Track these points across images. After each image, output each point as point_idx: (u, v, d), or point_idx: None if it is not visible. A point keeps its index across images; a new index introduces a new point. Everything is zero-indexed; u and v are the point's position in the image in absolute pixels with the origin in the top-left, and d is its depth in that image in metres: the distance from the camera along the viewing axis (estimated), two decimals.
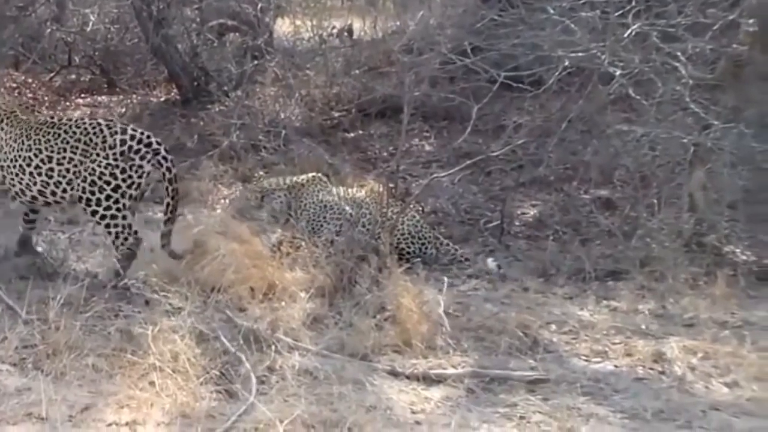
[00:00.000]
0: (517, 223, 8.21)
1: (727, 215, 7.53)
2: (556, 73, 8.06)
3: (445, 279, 7.15)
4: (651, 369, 6.04)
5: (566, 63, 8.02)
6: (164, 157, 7.03)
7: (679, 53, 7.85)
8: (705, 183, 7.60)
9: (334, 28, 10.92)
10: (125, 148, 6.98)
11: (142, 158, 6.99)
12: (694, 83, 7.73)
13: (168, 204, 7.05)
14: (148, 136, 7.07)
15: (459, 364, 6.03)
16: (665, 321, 6.62)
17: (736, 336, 6.29)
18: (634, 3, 8.09)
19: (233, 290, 6.75)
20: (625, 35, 7.94)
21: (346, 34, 10.86)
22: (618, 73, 7.93)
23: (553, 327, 6.55)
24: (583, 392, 5.73)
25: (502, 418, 5.48)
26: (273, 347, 6.05)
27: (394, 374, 5.93)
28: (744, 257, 7.30)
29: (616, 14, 8.05)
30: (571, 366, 6.08)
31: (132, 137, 7.01)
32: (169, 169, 7.01)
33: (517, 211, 8.48)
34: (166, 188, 7.02)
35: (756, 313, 6.67)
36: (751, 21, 7.81)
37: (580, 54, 8.04)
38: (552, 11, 8.34)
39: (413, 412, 5.55)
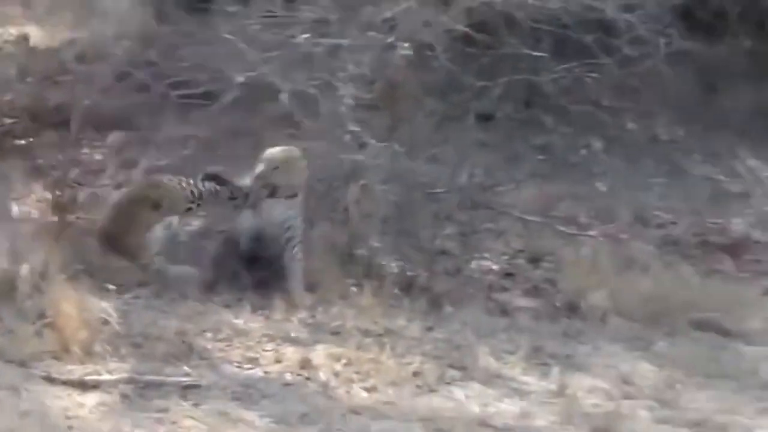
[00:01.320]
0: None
1: (378, 229, 8.01)
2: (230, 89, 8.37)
3: (110, 287, 7.31)
4: (298, 375, 6.39)
5: (240, 79, 8.33)
6: None
7: (340, 73, 8.30)
8: (359, 198, 8.04)
9: (10, 35, 10.86)
10: None
11: None
12: (353, 102, 8.20)
13: None
14: None
15: (115, 370, 6.22)
16: (314, 329, 7.01)
17: (377, 344, 6.74)
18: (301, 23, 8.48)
19: None
20: (292, 53, 8.35)
21: (22, 41, 10.82)
22: (284, 90, 8.30)
23: (209, 335, 6.82)
24: (233, 397, 6.03)
25: (155, 422, 5.71)
26: None
27: (50, 380, 6.05)
28: (390, 269, 7.80)
29: (284, 34, 8.42)
30: (224, 372, 6.37)
31: None
32: None
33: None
34: None
35: (397, 322, 7.13)
36: (405, 45, 8.34)
37: (250, 72, 8.36)
38: (223, 28, 8.64)
39: (67, 418, 5.70)
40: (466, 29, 8.64)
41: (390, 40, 8.43)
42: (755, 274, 8.91)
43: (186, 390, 6.08)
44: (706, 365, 7.08)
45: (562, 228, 8.81)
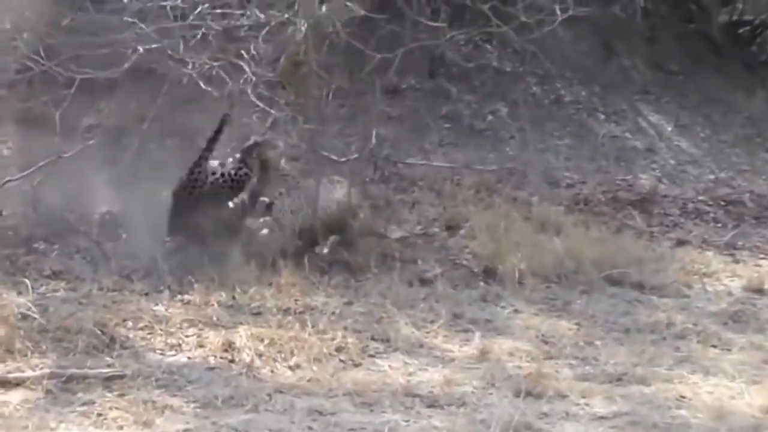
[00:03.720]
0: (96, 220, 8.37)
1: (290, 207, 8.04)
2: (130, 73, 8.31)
3: (28, 282, 7.25)
4: (222, 358, 6.41)
5: (135, 63, 8.27)
6: None
7: (243, 52, 8.28)
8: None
9: None
10: None
11: None
12: (258, 81, 8.19)
13: None
14: None
15: (37, 366, 6.17)
16: (234, 311, 7.03)
17: (298, 321, 6.79)
18: (200, 7, 8.44)
19: None
20: (193, 36, 8.31)
21: None
22: (188, 72, 8.26)
23: (129, 324, 6.79)
24: (158, 385, 6.03)
25: (80, 416, 5.68)
26: None
27: None
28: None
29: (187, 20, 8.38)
30: (147, 360, 6.36)
31: None
32: None
33: (98, 210, 8.63)
34: None
35: (316, 299, 7.21)
36: (303, 22, 8.34)
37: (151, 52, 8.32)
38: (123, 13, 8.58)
39: None
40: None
41: (287, 16, 8.40)
42: (664, 227, 9.13)
43: (110, 381, 6.05)
44: (623, 320, 7.24)
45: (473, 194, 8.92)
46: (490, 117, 10.30)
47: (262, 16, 8.43)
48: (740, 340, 6.99)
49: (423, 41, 8.89)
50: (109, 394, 5.90)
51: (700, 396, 6.15)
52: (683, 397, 6.13)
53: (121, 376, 6.10)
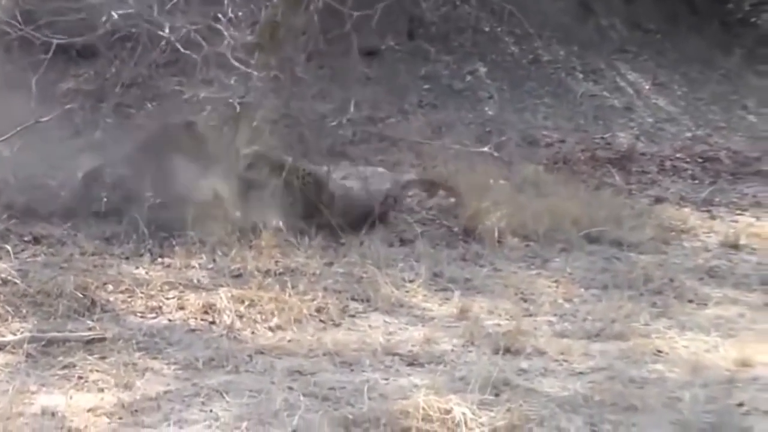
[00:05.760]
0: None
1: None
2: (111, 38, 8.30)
3: (8, 247, 7.27)
4: (202, 320, 6.44)
5: (112, 27, 8.24)
6: None
7: (220, 15, 8.26)
8: (251, 139, 8.04)
9: None
10: None
11: None
12: (236, 44, 8.17)
13: None
14: None
15: (18, 330, 6.20)
16: (215, 273, 7.06)
17: (279, 282, 6.82)
18: None
19: None
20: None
21: None
22: (165, 36, 8.24)
23: (110, 287, 6.81)
24: (138, 348, 6.04)
25: (61, 379, 5.69)
26: None
27: None
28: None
29: None
30: (128, 323, 6.39)
31: None
32: None
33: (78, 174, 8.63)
34: None
35: (297, 260, 7.24)
36: None
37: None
38: None
39: None
40: None
41: None
42: (642, 184, 9.18)
43: (90, 344, 6.06)
44: (601, 276, 7.29)
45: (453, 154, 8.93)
46: (468, 77, 10.33)
47: None
48: (716, 295, 7.04)
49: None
50: (89, 357, 5.90)
51: (676, 350, 6.19)
52: (660, 351, 6.17)
53: (102, 339, 6.11)
